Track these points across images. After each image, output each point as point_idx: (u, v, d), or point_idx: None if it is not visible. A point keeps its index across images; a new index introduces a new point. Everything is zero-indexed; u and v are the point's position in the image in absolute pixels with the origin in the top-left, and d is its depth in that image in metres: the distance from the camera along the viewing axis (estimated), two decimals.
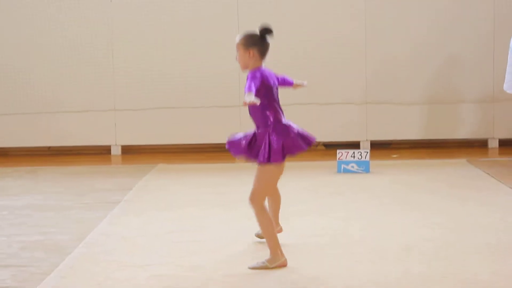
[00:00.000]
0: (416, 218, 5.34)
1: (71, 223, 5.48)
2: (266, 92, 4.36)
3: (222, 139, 9.61)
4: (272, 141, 4.29)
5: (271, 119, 4.37)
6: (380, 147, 9.64)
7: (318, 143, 9.76)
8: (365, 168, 7.55)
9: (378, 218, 5.39)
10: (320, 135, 9.56)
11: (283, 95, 9.63)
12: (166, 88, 9.48)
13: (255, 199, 4.35)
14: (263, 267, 4.27)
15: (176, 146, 9.78)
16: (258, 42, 4.43)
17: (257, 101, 4.13)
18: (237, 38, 4.47)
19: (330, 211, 5.66)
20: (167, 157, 9.26)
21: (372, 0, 9.29)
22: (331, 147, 9.59)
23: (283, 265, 4.28)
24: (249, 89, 4.19)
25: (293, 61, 9.33)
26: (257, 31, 4.43)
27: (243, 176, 7.54)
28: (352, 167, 7.58)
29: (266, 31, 4.42)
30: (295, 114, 9.42)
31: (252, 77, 4.30)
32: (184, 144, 9.73)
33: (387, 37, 9.34)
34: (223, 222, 5.38)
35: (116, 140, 9.57)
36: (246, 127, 9.58)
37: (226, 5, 9.35)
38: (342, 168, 7.60)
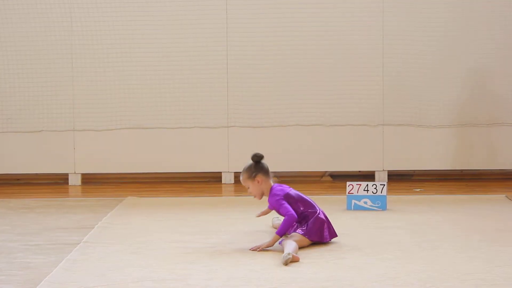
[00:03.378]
0: (442, 268, 5.34)
1: (17, 269, 5.46)
2: (289, 201, 5.98)
3: (206, 167, 9.73)
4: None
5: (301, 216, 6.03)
6: (400, 179, 9.67)
7: (324, 173, 9.78)
8: (381, 204, 7.56)
9: (396, 266, 5.39)
10: (326, 164, 9.62)
11: (282, 114, 9.76)
12: (136, 104, 9.52)
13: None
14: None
15: (148, 175, 9.78)
16: (258, 168, 6.01)
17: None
18: (241, 177, 6.04)
19: (337, 258, 5.65)
20: (138, 188, 9.25)
21: (391, 5, 9.38)
22: (339, 179, 9.61)
23: (297, 259, 5.46)
24: (285, 228, 5.87)
25: (297, 74, 9.40)
26: (251, 161, 6.01)
27: (231, 212, 7.53)
28: (365, 203, 7.59)
29: (257, 157, 6.03)
30: (296, 136, 9.50)
31: (279, 203, 5.93)
32: (158, 173, 9.74)
33: (407, 47, 9.41)
34: (208, 270, 5.37)
35: (75, 168, 9.58)
36: (234, 152, 9.66)
37: (206, 13, 9.42)
38: (352, 204, 7.60)
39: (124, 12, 9.42)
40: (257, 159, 6.04)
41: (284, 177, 9.78)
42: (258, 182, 6.00)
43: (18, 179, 9.78)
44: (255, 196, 6.09)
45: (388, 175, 9.57)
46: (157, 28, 9.44)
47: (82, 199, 8.59)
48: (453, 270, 5.26)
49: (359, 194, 7.59)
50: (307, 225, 6.00)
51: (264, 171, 6.03)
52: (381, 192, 7.56)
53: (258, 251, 5.80)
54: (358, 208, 7.58)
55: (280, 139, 9.56)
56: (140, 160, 9.56)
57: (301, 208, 6.02)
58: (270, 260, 5.56)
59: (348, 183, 7.65)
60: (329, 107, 9.50)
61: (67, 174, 9.62)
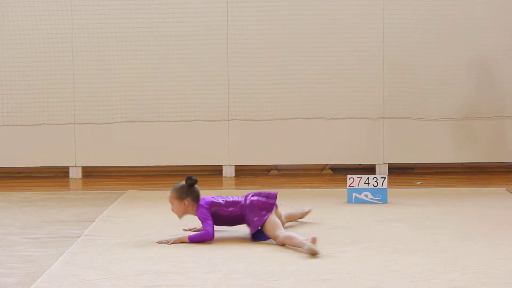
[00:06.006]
0: (443, 261, 5.35)
1: (18, 262, 5.47)
2: (215, 213, 6.02)
3: (207, 160, 9.73)
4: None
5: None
6: (400, 172, 9.67)
7: (324, 166, 9.78)
8: (381, 197, 7.57)
9: (397, 259, 5.39)
10: (327, 157, 9.62)
11: (282, 107, 9.73)
12: (137, 97, 9.51)
13: (278, 243, 5.87)
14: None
15: (149, 168, 9.78)
16: (189, 191, 6.03)
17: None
18: (169, 193, 6.08)
19: (338, 251, 5.66)
20: (138, 181, 9.25)
21: None
22: (340, 172, 9.61)
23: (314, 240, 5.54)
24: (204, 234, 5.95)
25: (298, 68, 9.40)
26: (184, 183, 6.03)
27: None
28: (366, 196, 7.59)
29: (192, 181, 6.03)
30: (296, 130, 9.50)
31: (203, 217, 5.97)
32: (159, 166, 9.74)
33: (408, 37, 9.40)
34: (209, 263, 5.37)
35: (75, 161, 9.58)
36: (235, 145, 9.64)
37: (207, 6, 9.41)
38: (353, 197, 7.61)
39: (124, 5, 9.41)
40: (191, 182, 6.03)
41: (285, 170, 9.78)
42: (185, 204, 6.02)
43: (18, 172, 9.78)
44: (176, 214, 6.10)
45: (389, 168, 9.57)
46: (157, 21, 9.43)
47: (83, 192, 8.60)
48: (453, 263, 5.27)
49: (359, 187, 7.59)
50: (248, 220, 5.98)
51: (195, 196, 6.04)
52: (382, 185, 7.56)
53: (165, 243, 5.87)
54: (359, 201, 7.58)
55: (281, 132, 9.56)
56: (140, 153, 9.55)
57: (231, 209, 6.00)
58: (270, 254, 5.57)
59: (348, 176, 7.65)
60: (329, 100, 9.50)
61: (67, 167, 9.62)
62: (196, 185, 6.08)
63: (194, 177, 6.06)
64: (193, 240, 5.92)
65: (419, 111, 9.49)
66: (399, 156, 9.57)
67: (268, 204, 6.04)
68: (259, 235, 6.02)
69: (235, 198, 6.10)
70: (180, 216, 6.12)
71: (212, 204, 6.03)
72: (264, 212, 5.98)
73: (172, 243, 5.90)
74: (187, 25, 9.44)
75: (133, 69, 9.48)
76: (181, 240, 5.93)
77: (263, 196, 6.08)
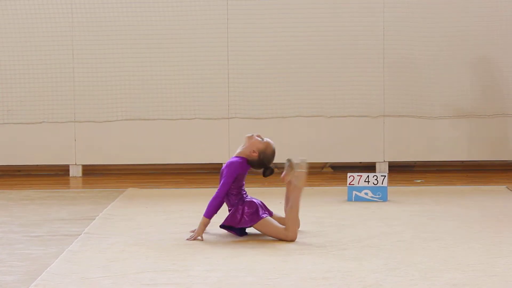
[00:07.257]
0: (443, 259, 5.35)
1: (18, 261, 5.47)
2: (239, 178, 6.07)
3: (207, 158, 9.73)
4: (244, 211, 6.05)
5: (235, 200, 6.07)
6: (401, 170, 9.67)
7: (325, 165, 9.79)
8: (381, 195, 7.57)
9: (397, 257, 5.39)
10: (327, 155, 9.63)
11: (283, 105, 9.72)
12: (137, 95, 9.52)
13: (290, 237, 5.89)
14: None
15: (149, 166, 9.78)
16: (263, 159, 6.10)
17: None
18: (267, 138, 6.19)
19: (338, 249, 5.66)
20: (138, 180, 9.26)
21: None
22: (340, 170, 9.61)
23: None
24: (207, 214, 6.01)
25: (298, 66, 9.40)
26: (270, 158, 6.12)
27: None
28: (366, 194, 7.60)
29: (268, 172, 6.13)
30: (297, 128, 9.50)
31: (226, 176, 6.00)
32: (159, 165, 9.75)
33: (408, 37, 9.40)
34: (209, 261, 5.38)
35: (75, 159, 9.59)
36: (235, 143, 9.64)
37: (207, 6, 9.42)
38: (353, 195, 7.61)
39: (125, 4, 9.41)
40: (267, 171, 6.12)
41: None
42: (253, 152, 6.08)
43: (19, 171, 9.79)
44: (251, 137, 6.19)
45: (389, 166, 9.57)
46: (157, 20, 9.44)
47: (83, 191, 8.61)
48: (453, 261, 5.27)
49: (360, 185, 7.59)
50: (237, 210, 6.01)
51: (256, 165, 6.08)
52: (382, 183, 7.56)
53: (193, 240, 5.91)
54: (359, 199, 7.58)
55: (281, 130, 9.56)
56: (140, 152, 9.56)
57: (235, 191, 6.04)
58: (271, 251, 5.57)
59: (349, 174, 7.66)
60: (330, 98, 9.50)
61: (68, 166, 9.63)
62: (261, 170, 6.13)
63: (271, 173, 6.12)
64: (209, 213, 5.94)
65: (419, 109, 9.49)
66: (399, 154, 9.57)
67: (267, 210, 6.11)
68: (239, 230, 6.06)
69: (248, 198, 6.09)
70: (246, 141, 6.16)
71: (243, 175, 6.07)
72: (262, 213, 6.00)
73: (200, 237, 5.92)
74: (187, 23, 9.44)
75: (133, 68, 9.48)
76: (203, 225, 5.94)
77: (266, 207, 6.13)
